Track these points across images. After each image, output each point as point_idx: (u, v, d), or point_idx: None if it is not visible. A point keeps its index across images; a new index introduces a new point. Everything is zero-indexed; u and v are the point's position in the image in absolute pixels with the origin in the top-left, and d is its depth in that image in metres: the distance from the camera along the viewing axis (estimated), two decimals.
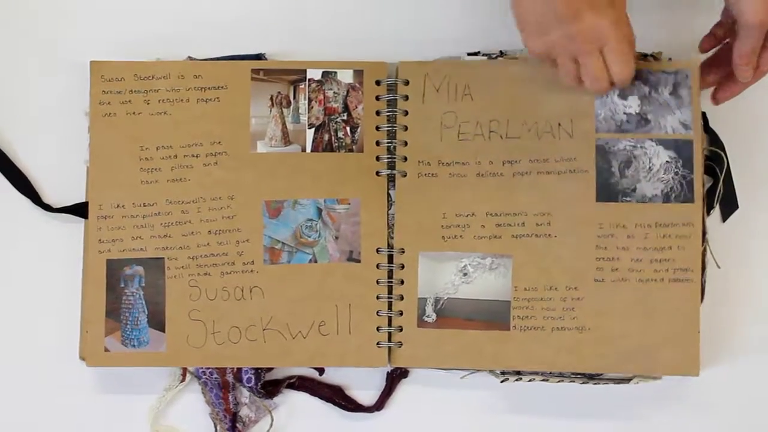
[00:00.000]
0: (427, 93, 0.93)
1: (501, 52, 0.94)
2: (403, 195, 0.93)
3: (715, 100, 0.91)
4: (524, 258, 0.91)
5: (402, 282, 0.92)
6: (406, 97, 0.93)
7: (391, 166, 0.93)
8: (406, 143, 0.93)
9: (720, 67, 0.90)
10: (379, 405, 0.94)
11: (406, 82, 0.93)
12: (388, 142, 0.93)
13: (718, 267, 0.93)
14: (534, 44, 0.82)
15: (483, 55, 0.94)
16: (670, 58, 0.94)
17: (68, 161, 0.94)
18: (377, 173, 0.93)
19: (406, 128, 0.93)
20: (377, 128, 0.93)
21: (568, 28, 0.80)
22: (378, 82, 0.94)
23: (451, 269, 0.92)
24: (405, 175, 0.93)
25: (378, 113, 0.94)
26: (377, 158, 0.93)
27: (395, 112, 0.93)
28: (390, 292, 0.93)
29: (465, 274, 0.92)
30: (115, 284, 0.92)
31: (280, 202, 0.93)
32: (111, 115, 0.93)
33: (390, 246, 0.93)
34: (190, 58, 0.94)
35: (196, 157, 0.93)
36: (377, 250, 0.93)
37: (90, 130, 0.93)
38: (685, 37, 0.93)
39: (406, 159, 0.93)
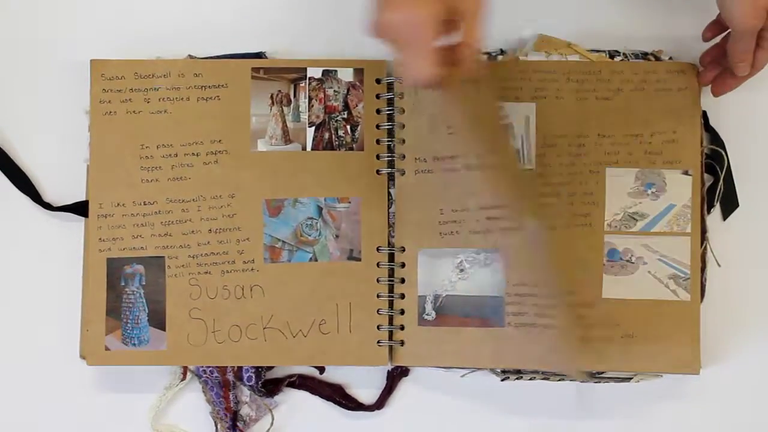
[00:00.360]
0: (419, 89, 0.93)
1: (501, 50, 0.94)
2: (402, 193, 0.93)
3: (714, 93, 0.91)
4: (512, 252, 0.91)
5: (403, 280, 0.92)
6: (402, 95, 0.93)
7: (391, 164, 0.93)
8: (403, 141, 0.93)
9: (716, 62, 0.91)
10: (379, 404, 0.94)
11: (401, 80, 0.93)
12: (387, 141, 0.93)
13: (719, 265, 0.93)
14: (368, 29, 0.77)
15: (483, 53, 0.94)
16: (670, 57, 0.94)
17: (68, 160, 0.94)
18: (377, 172, 0.93)
19: (403, 126, 0.93)
20: (377, 126, 0.93)
21: (377, 17, 0.75)
22: (378, 80, 0.94)
23: (449, 265, 0.92)
24: (403, 173, 0.93)
25: (378, 111, 0.94)
26: (377, 157, 0.93)
27: (393, 110, 0.93)
28: (390, 290, 0.92)
29: (461, 270, 0.92)
30: (116, 283, 0.92)
31: (281, 200, 0.93)
32: (111, 114, 0.93)
33: (390, 244, 0.93)
34: (190, 56, 0.94)
35: (197, 155, 0.93)
36: (377, 249, 0.93)
37: (90, 129, 0.93)
38: (687, 35, 0.93)
39: (404, 157, 0.93)
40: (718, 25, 0.90)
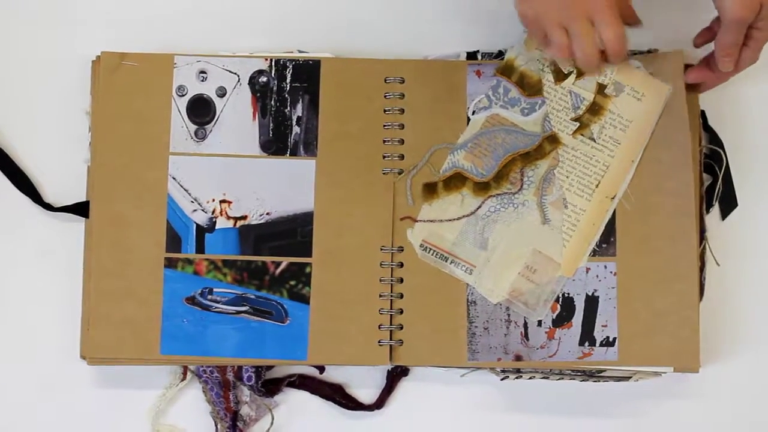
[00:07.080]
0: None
1: (500, 51, 0.94)
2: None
3: (687, 79, 0.91)
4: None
5: (402, 280, 0.92)
6: (402, 95, 0.93)
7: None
8: (402, 141, 0.93)
9: (706, 62, 0.91)
10: (379, 403, 0.94)
11: (402, 80, 0.93)
12: (395, 141, 0.93)
13: (718, 265, 0.93)
14: (524, 8, 0.80)
15: (482, 54, 0.94)
16: None
17: (69, 160, 0.94)
18: (383, 172, 0.93)
19: (403, 126, 0.93)
20: (384, 126, 0.93)
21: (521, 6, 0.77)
22: (386, 80, 0.93)
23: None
24: (401, 173, 0.93)
25: (385, 111, 0.93)
26: (383, 156, 0.93)
27: (395, 110, 0.93)
28: (392, 290, 0.92)
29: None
30: None
31: None
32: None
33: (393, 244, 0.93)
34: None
35: None
36: (380, 248, 0.92)
37: (91, 129, 0.93)
38: (682, 35, 0.93)
39: (403, 157, 0.93)
40: (710, 32, 0.90)
